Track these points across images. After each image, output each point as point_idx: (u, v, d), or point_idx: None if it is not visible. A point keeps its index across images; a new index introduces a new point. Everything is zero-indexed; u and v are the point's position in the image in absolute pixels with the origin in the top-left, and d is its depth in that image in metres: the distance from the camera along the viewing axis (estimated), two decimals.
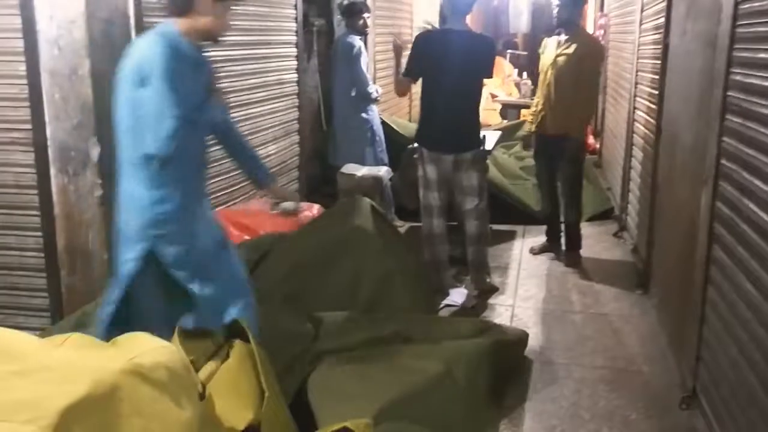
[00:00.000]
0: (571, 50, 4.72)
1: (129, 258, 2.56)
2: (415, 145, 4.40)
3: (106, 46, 3.19)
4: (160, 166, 2.45)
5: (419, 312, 3.80)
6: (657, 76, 4.40)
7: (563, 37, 4.81)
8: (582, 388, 3.30)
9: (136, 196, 2.52)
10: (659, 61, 4.34)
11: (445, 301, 4.22)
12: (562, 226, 5.22)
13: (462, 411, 2.82)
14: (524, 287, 4.61)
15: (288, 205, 3.13)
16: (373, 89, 5.78)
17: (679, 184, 3.55)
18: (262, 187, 3.09)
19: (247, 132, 4.60)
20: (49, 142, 3.21)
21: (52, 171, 3.23)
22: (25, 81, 3.19)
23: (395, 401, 2.64)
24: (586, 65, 4.69)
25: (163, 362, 1.97)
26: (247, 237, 3.80)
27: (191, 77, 2.53)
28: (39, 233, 3.32)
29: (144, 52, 2.47)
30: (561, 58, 4.78)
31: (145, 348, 2.01)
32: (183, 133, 2.42)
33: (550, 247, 5.24)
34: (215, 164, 4.20)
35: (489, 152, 4.89)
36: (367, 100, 5.78)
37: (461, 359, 3.03)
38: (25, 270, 3.39)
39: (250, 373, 2.34)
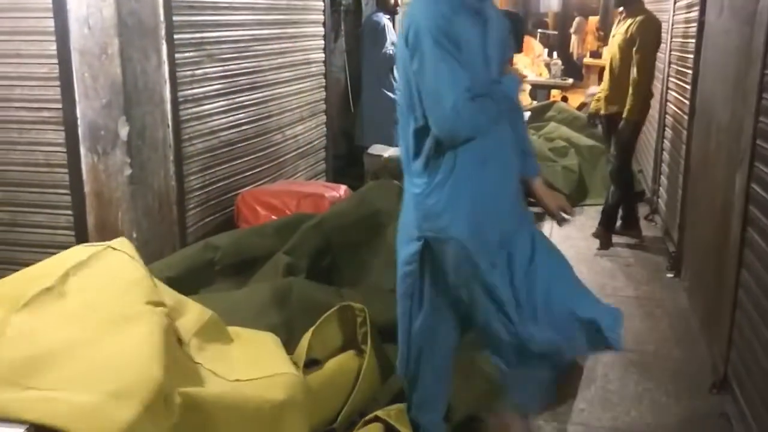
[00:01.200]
0: (623, 29, 4.66)
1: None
2: None
3: (135, 25, 3.20)
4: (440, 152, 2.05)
5: None
6: (691, 55, 4.30)
7: (622, 15, 4.77)
8: (610, 371, 3.26)
9: (411, 186, 2.15)
10: (694, 40, 4.23)
11: None
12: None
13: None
14: None
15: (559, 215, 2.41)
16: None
17: (713, 166, 3.47)
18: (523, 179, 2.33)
19: (273, 112, 4.60)
20: (79, 121, 3.24)
21: (82, 150, 3.26)
22: (55, 60, 3.21)
23: None
24: (637, 45, 4.55)
25: (272, 397, 1.85)
26: (273, 217, 3.80)
27: (474, 36, 2.01)
28: (69, 212, 3.36)
29: (411, 12, 2.02)
30: (615, 38, 4.74)
31: (266, 372, 1.92)
32: (472, 110, 1.96)
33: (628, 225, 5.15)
34: (241, 143, 4.22)
35: None
36: (390, 74, 5.72)
37: None
38: (57, 248, 3.38)
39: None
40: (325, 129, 5.54)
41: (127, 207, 3.27)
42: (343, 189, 4.28)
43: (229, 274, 3.46)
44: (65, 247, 3.36)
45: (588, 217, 5.59)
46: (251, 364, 1.96)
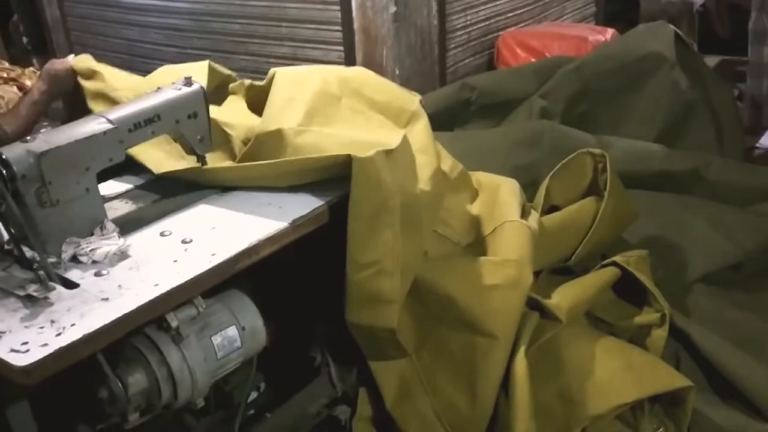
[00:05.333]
0: None
1: None
2: None
3: None
4: None
5: (723, 153, 3.45)
6: None
7: None
8: None
9: None
10: None
11: (759, 143, 3.79)
12: None
13: None
14: None
15: None
16: None
17: None
18: None
19: None
20: None
21: None
22: None
23: None
24: None
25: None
26: (533, 59, 3.72)
27: None
28: (341, 48, 3.59)
29: None
30: None
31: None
32: None
33: None
34: None
35: None
36: None
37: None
38: None
39: None
40: None
41: (391, 44, 3.41)
42: (610, 32, 4.00)
43: (484, 115, 3.50)
44: None
45: None
46: (485, 220, 2.02)
